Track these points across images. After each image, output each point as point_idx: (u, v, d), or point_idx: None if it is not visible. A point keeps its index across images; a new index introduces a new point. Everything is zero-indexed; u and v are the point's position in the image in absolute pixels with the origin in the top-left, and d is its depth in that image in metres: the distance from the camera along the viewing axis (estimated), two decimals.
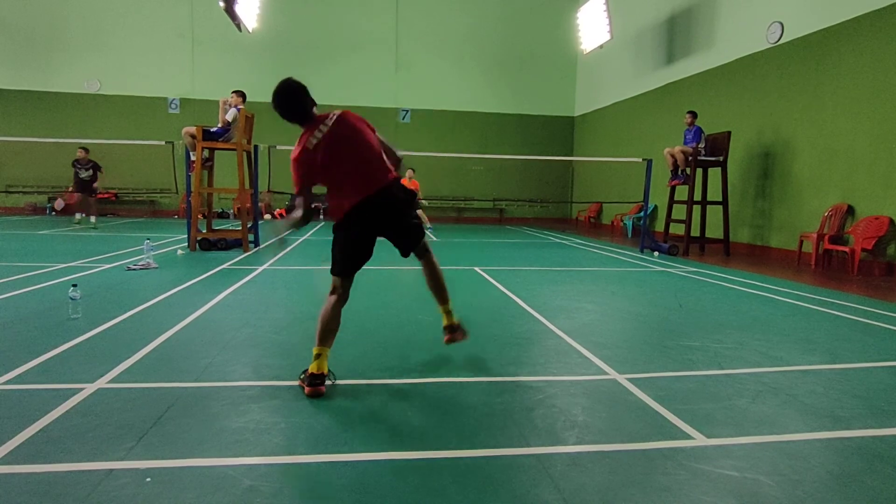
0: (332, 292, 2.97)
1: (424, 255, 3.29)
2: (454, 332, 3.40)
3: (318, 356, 2.77)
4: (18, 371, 2.92)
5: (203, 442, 2.19)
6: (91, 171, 12.13)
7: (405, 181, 14.05)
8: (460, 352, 3.51)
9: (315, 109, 2.98)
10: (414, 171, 14.01)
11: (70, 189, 12.37)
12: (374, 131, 3.12)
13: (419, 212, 14.00)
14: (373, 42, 17.39)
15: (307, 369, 2.77)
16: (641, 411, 2.63)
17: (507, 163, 15.87)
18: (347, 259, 2.98)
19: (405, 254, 3.23)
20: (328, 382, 2.79)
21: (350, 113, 3.03)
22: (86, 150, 12.31)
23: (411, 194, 3.15)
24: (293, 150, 2.95)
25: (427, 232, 13.89)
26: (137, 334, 3.66)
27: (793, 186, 9.30)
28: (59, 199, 13.46)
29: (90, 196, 12.26)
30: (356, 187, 2.92)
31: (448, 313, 3.39)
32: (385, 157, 3.09)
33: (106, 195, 16.14)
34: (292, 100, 2.92)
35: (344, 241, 2.97)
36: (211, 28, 16.34)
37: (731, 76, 10.81)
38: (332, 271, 2.99)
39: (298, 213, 2.97)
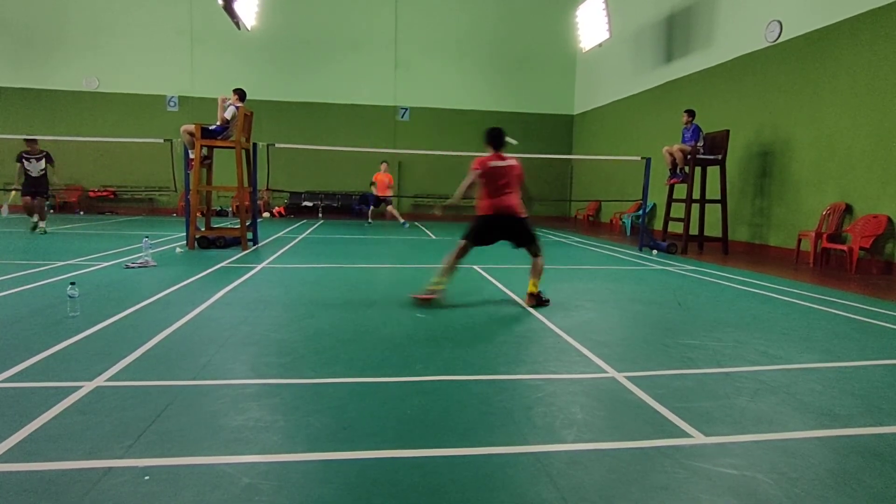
0: (460, 246, 4.91)
1: (537, 255, 5.01)
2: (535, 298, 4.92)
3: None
4: (17, 369, 2.92)
5: (202, 440, 2.19)
6: (43, 164, 10.11)
7: (379, 175, 14.35)
8: (459, 350, 3.52)
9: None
10: (387, 163, 14.23)
11: (17, 191, 10.24)
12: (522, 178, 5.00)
13: (389, 207, 14.21)
14: (372, 40, 17.34)
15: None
16: (640, 409, 2.63)
17: None
18: (475, 236, 4.95)
19: (517, 246, 5.13)
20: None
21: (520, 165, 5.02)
22: (34, 140, 10.17)
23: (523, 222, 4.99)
24: (478, 160, 4.98)
25: (403, 227, 13.85)
26: (136, 332, 3.65)
27: (791, 185, 9.30)
28: (5, 206, 12.02)
29: (44, 197, 10.38)
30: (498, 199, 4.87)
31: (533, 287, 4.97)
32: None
33: (103, 193, 16.12)
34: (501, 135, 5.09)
35: (478, 225, 4.95)
36: (210, 26, 16.29)
37: (730, 75, 10.80)
38: (463, 236, 4.93)
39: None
